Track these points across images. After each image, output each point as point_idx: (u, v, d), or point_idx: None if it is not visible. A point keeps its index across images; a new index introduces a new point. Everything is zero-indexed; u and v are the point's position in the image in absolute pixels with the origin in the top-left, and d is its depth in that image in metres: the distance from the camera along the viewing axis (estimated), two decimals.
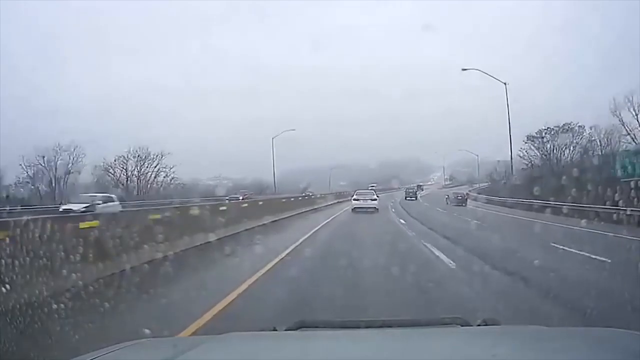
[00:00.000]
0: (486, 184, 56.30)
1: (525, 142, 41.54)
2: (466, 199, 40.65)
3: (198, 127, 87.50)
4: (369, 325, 2.40)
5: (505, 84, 33.46)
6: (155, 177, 47.58)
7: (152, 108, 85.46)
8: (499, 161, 52.38)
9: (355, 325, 2.48)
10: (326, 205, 35.20)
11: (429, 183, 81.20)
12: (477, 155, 56.56)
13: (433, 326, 2.34)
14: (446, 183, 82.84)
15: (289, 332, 2.21)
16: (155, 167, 47.20)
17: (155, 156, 47.03)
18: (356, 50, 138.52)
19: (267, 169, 51.18)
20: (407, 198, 49.12)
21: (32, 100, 63.93)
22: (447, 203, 38.68)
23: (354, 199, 28.87)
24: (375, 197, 29.07)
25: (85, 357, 1.72)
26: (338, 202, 40.57)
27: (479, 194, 49.28)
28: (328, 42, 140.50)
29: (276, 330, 2.22)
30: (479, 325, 2.24)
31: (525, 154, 41.87)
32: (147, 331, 3.85)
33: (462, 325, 2.21)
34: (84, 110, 70.37)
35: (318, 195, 40.13)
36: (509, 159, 37.93)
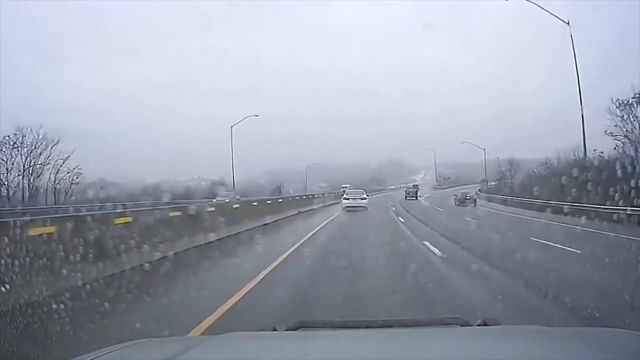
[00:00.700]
0: (494, 182, 53.70)
1: (622, 108, 28.07)
2: (475, 199, 39.12)
3: (197, 127, 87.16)
4: (369, 325, 2.41)
5: (567, 22, 25.39)
6: (42, 172, 34.48)
7: (152, 108, 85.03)
8: (499, 158, 52.17)
9: (356, 325, 2.48)
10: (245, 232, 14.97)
11: (415, 184, 78.43)
12: (484, 149, 50.43)
13: (433, 326, 2.34)
14: (436, 184, 78.92)
15: (289, 332, 2.21)
16: (47, 158, 34.04)
17: (46, 144, 33.95)
18: (356, 50, 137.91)
19: (255, 169, 47.80)
20: (407, 198, 49.19)
21: (32, 100, 63.65)
22: (456, 204, 37.14)
23: (344, 199, 30.96)
24: (364, 196, 31.19)
25: (85, 357, 1.71)
26: (285, 218, 21.64)
27: (482, 192, 48.77)
28: (328, 42, 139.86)
29: (276, 330, 2.22)
30: (479, 325, 2.24)
31: (622, 127, 28.27)
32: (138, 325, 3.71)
33: (462, 325, 2.21)
34: (83, 110, 70.10)
35: (242, 203, 20.53)
36: (512, 156, 34.56)
